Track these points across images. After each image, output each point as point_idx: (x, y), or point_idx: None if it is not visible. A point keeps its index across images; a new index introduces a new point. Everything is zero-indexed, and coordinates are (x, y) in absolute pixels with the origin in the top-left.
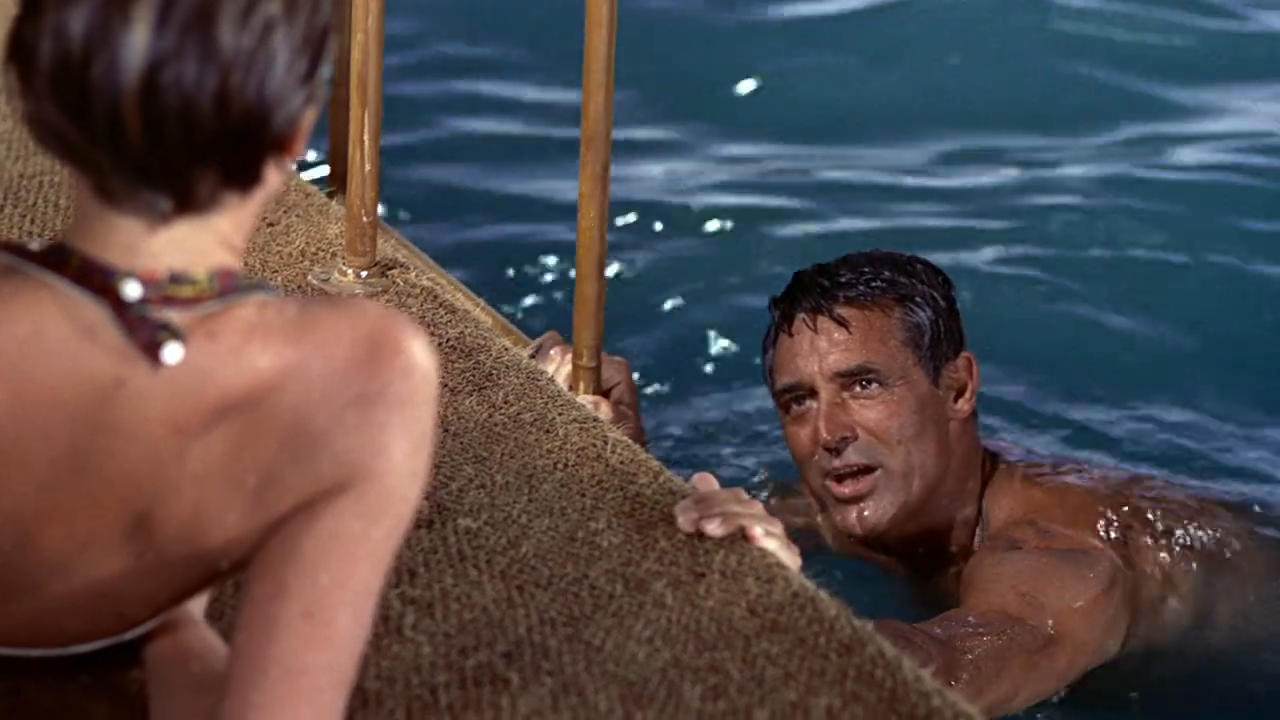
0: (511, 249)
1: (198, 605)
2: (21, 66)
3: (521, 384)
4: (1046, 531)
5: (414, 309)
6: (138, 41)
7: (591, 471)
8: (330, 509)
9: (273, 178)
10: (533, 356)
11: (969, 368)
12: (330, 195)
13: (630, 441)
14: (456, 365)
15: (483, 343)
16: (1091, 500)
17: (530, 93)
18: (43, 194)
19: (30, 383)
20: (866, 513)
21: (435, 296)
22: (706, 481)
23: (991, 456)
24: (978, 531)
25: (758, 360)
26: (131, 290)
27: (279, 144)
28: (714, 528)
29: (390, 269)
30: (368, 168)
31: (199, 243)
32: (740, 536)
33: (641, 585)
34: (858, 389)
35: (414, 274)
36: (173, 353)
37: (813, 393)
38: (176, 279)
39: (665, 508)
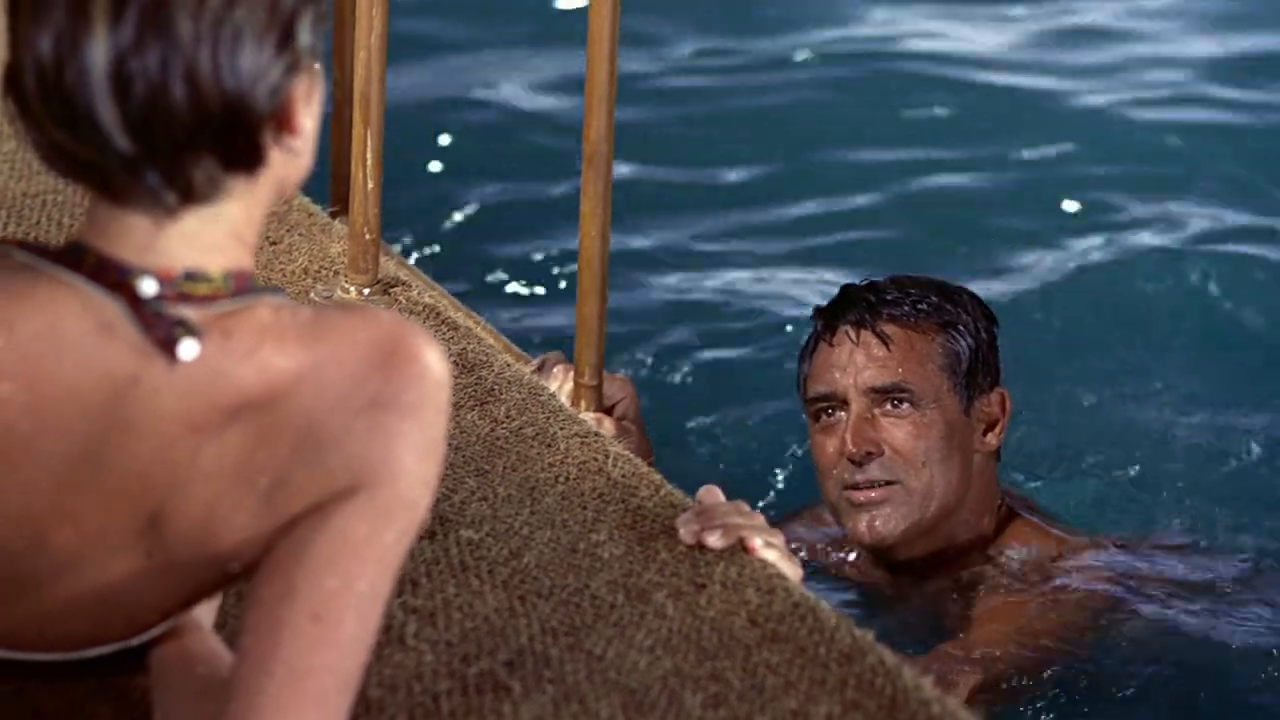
0: (513, 268)
1: (206, 614)
2: (16, 93)
3: (523, 399)
4: (1052, 575)
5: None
6: (99, 42)
7: (593, 485)
8: (340, 512)
9: (278, 161)
10: (536, 373)
11: (1002, 403)
12: (333, 215)
13: (631, 455)
14: (459, 380)
15: (485, 358)
16: (1094, 548)
17: (533, 111)
18: (46, 212)
19: (46, 379)
20: (878, 523)
21: (438, 314)
22: (712, 494)
23: (1008, 499)
24: (988, 570)
25: (760, 373)
26: (148, 287)
27: (272, 120)
28: (715, 539)
29: (392, 287)
30: (370, 186)
31: (212, 237)
32: (741, 548)
33: (643, 595)
34: (889, 406)
35: (416, 292)
36: (189, 349)
37: (844, 404)
38: (192, 276)
39: (666, 520)
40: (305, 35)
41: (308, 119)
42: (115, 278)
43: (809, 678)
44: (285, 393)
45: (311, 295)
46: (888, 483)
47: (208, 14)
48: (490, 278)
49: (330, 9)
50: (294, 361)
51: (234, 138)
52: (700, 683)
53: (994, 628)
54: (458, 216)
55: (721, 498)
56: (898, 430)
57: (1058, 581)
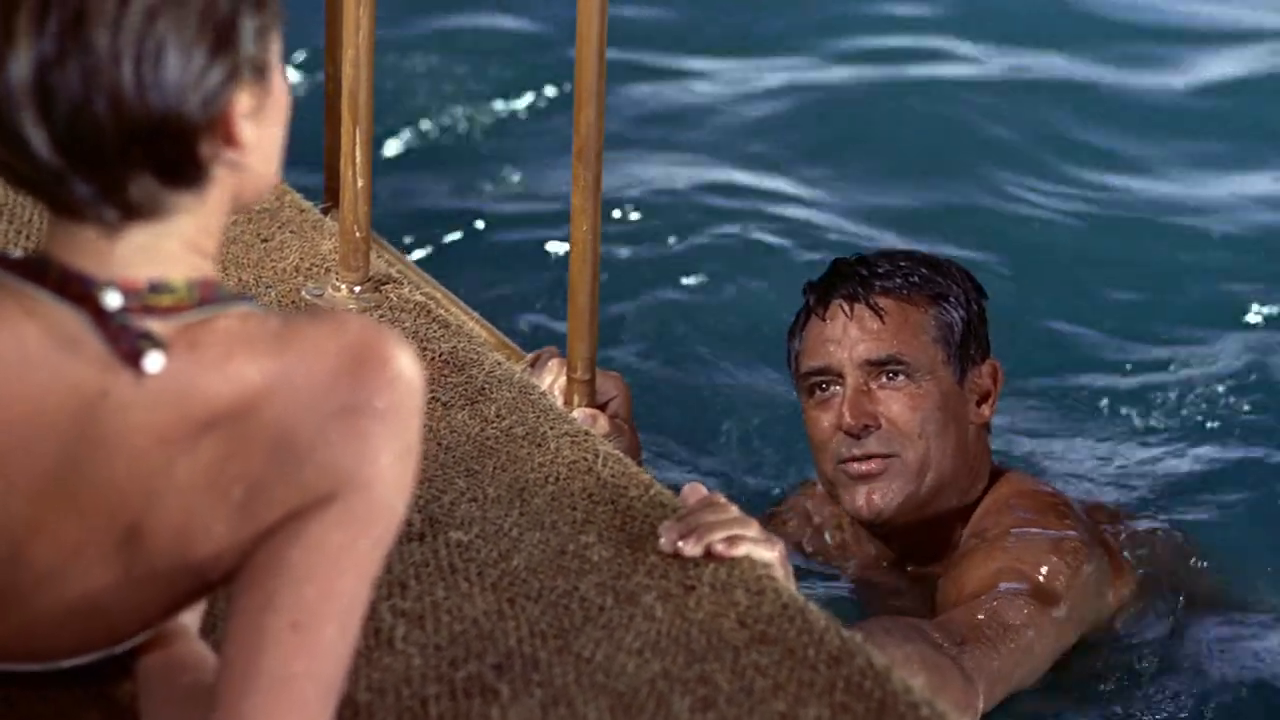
0: (507, 263)
1: (191, 619)
2: None
3: (514, 398)
4: (1024, 516)
5: (407, 324)
6: (21, 56)
7: (583, 485)
8: (316, 520)
9: (224, 176)
10: (530, 367)
11: (994, 375)
12: (325, 211)
13: (621, 455)
14: (449, 380)
15: (475, 357)
16: (1067, 501)
17: (523, 105)
18: (38, 210)
19: (12, 394)
20: (875, 496)
21: (428, 311)
22: (695, 491)
23: (1003, 468)
24: (973, 532)
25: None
26: (112, 299)
27: (209, 133)
28: (688, 548)
29: (384, 284)
30: (360, 183)
31: (166, 249)
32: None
33: (632, 598)
34: (884, 379)
35: (407, 289)
36: (154, 361)
37: (839, 378)
38: (156, 288)
39: (655, 521)
40: (248, 44)
41: (254, 131)
42: (79, 290)
43: (798, 680)
44: (256, 403)
45: (303, 293)
46: (885, 455)
47: (128, 27)
48: (484, 272)
49: (323, 5)
50: (263, 371)
51: (166, 153)
52: (689, 685)
53: (979, 581)
54: (453, 210)
55: (704, 493)
56: (894, 402)
57: (1026, 520)
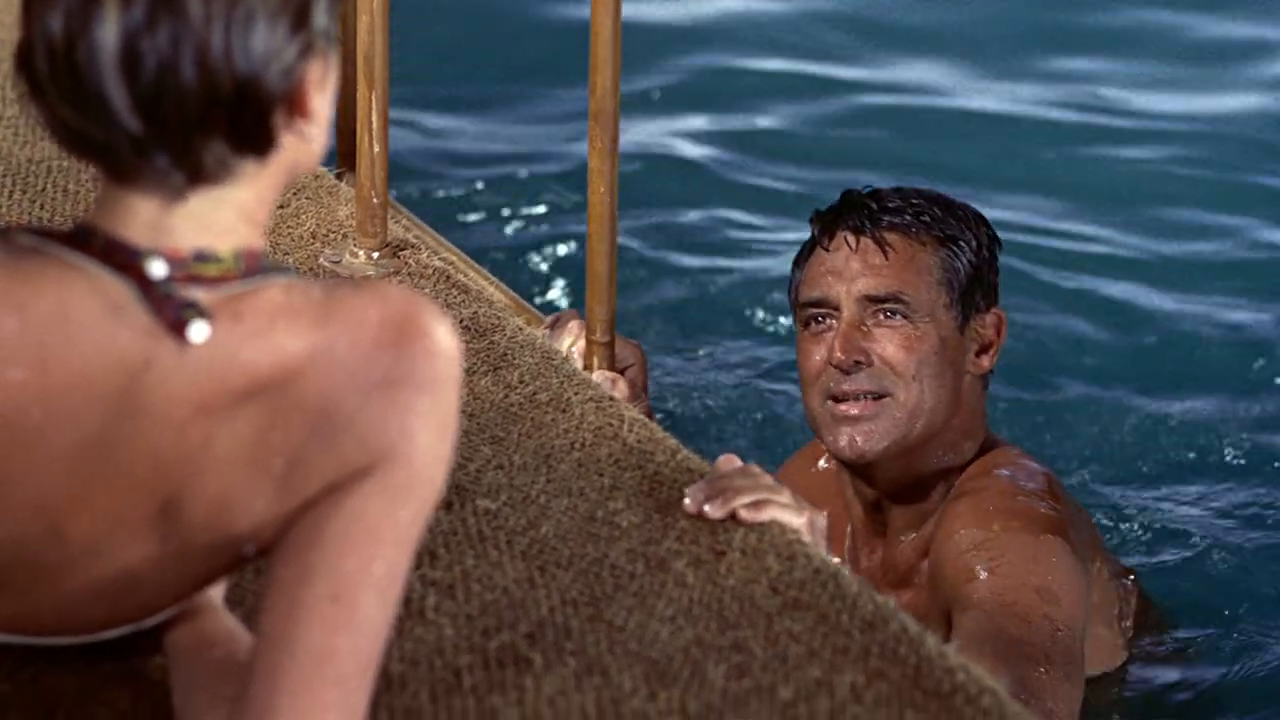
0: (525, 226)
1: (217, 591)
2: (28, 72)
3: (537, 363)
4: (1007, 476)
5: (426, 290)
6: (110, 21)
7: (609, 450)
8: (356, 492)
9: (290, 145)
10: (550, 330)
11: (998, 325)
12: (339, 176)
13: (647, 420)
14: (471, 345)
15: (497, 323)
16: (1054, 478)
17: (540, 70)
18: (51, 179)
19: (57, 364)
20: (859, 439)
21: (448, 277)
22: (730, 461)
23: (996, 437)
24: (960, 489)
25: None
26: (157, 269)
27: (284, 103)
28: (711, 509)
29: (401, 250)
30: (376, 149)
31: (221, 219)
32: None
33: (662, 564)
34: (882, 317)
35: (425, 255)
36: (199, 331)
37: (836, 311)
38: (202, 257)
39: (683, 486)
40: (321, 18)
41: (321, 103)
42: (124, 259)
43: (832, 646)
44: (297, 374)
45: (321, 260)
46: (877, 396)
47: None
48: (501, 237)
49: None
50: (305, 342)
51: (244, 119)
52: (723, 652)
53: (1004, 589)
54: (470, 175)
55: (738, 464)
56: (889, 341)
57: (1010, 491)
